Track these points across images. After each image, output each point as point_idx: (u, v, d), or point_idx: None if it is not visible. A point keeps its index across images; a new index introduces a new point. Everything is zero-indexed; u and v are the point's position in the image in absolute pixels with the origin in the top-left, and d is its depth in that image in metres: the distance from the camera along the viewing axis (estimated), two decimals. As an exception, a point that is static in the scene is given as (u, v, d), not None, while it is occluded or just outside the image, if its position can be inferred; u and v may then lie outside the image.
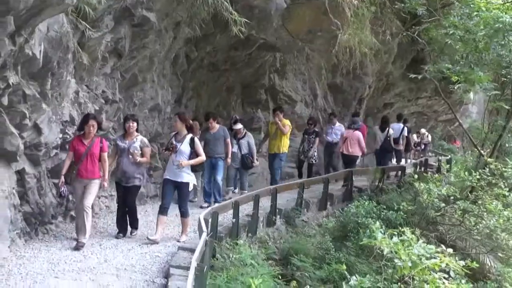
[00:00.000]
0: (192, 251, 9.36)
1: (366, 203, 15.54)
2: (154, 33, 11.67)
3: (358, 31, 18.05)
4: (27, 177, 9.64)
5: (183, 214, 11.27)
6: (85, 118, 10.36)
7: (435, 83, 22.46)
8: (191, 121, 12.83)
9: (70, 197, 11.16)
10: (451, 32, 18.90)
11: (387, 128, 20.99)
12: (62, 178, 10.24)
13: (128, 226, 11.42)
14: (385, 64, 23.20)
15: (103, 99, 11.55)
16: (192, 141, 11.26)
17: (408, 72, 23.32)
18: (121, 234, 11.16)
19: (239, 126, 15.56)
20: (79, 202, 10.40)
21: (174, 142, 11.26)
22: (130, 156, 11.00)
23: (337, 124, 20.16)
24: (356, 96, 23.95)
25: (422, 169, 22.88)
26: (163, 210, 11.08)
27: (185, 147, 11.15)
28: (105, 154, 10.66)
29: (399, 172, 22.00)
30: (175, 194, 11.46)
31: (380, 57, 22.08)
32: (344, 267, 9.48)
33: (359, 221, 14.40)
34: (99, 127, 10.59)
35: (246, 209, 13.33)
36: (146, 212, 13.61)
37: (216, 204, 12.91)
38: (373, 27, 19.82)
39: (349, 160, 19.00)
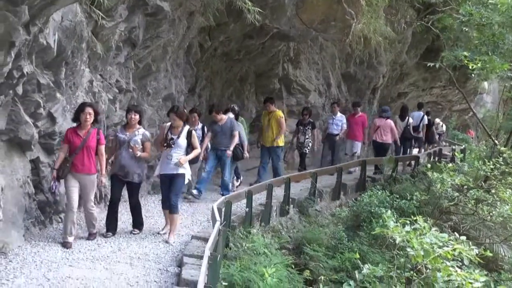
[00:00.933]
0: (205, 240, 9.40)
1: (379, 192, 15.51)
2: (167, 23, 11.67)
3: (372, 20, 17.97)
4: (42, 166, 9.69)
5: (172, 209, 10.59)
6: (80, 106, 9.58)
7: (449, 73, 22.32)
8: (187, 114, 12.26)
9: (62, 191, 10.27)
10: (466, 19, 18.74)
11: (407, 117, 21.58)
12: (54, 173, 9.54)
13: (119, 224, 10.77)
14: (399, 53, 23.10)
15: (117, 89, 11.57)
16: (189, 134, 10.81)
17: (422, 61, 23.23)
18: (110, 233, 10.35)
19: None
20: (70, 198, 9.59)
21: (171, 136, 10.74)
22: (130, 150, 10.39)
23: (339, 114, 19.61)
24: (370, 85, 23.87)
25: (436, 158, 22.77)
26: (164, 204, 10.85)
27: (182, 141, 10.72)
28: (103, 147, 9.90)
29: (413, 162, 21.94)
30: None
31: (394, 46, 21.99)
32: (357, 256, 9.49)
33: (372, 210, 14.38)
34: (96, 118, 9.68)
35: (259, 198, 13.36)
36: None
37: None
38: (387, 16, 19.73)
39: (381, 148, 19.89)
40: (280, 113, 16.63)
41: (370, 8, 17.56)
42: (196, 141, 11.03)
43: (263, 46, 16.86)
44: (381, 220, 9.57)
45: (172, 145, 10.61)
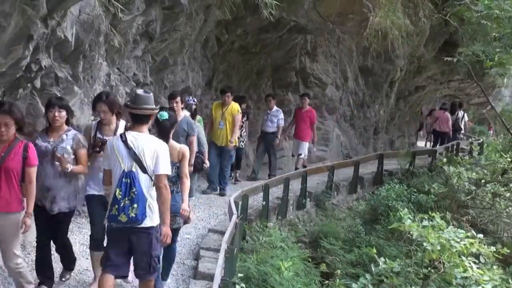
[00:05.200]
0: (222, 233, 9.43)
1: (397, 186, 15.48)
2: (184, 16, 11.67)
3: (389, 13, 17.88)
4: (59, 159, 9.63)
5: (96, 246, 7.45)
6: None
7: (468, 66, 22.17)
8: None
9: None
10: (484, 12, 18.57)
11: (457, 112, 24.94)
12: None
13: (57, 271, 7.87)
14: (416, 46, 22.94)
15: (134, 82, 11.58)
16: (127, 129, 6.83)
17: (440, 55, 23.10)
18: (44, 287, 7.37)
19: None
20: None
21: (101, 137, 7.46)
22: (57, 163, 7.06)
23: (275, 108, 16.65)
24: (387, 79, 23.76)
25: (454, 152, 22.72)
26: (96, 244, 7.46)
27: None
28: (32, 171, 6.68)
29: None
30: None
31: (412, 39, 21.85)
32: (374, 251, 9.46)
33: (390, 204, 14.35)
34: (18, 125, 6.67)
35: (276, 192, 13.37)
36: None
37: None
38: (404, 9, 19.61)
39: (442, 137, 23.87)
40: (237, 106, 14.18)
41: (388, 1, 17.47)
42: None
43: (280, 40, 16.83)
44: (398, 213, 9.53)
45: (100, 147, 7.32)
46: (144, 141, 6.36)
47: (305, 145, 17.31)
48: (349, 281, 10.36)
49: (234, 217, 8.80)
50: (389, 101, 25.36)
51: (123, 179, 6.20)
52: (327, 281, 10.48)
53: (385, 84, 24.09)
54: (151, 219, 6.32)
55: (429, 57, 24.79)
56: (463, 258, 8.17)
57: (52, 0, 6.50)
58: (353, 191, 16.93)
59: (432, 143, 25.59)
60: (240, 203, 10.53)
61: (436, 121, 23.97)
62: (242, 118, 14.70)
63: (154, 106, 6.63)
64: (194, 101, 12.50)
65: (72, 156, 7.14)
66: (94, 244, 7.46)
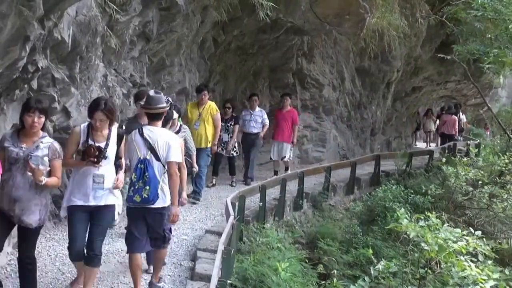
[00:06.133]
0: (219, 234, 9.43)
1: (394, 187, 15.51)
2: (181, 17, 11.67)
3: (386, 14, 17.91)
4: (56, 160, 9.63)
5: (94, 260, 7.10)
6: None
7: (464, 67, 22.20)
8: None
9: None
10: (479, 13, 18.60)
11: (459, 113, 27.48)
12: None
13: None
14: (413, 47, 22.99)
15: (131, 83, 11.58)
16: (120, 138, 7.27)
17: (436, 56, 23.14)
18: None
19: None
20: None
21: (93, 143, 6.94)
22: (29, 173, 6.35)
23: (257, 108, 16.03)
24: (384, 79, 23.78)
25: (451, 153, 22.77)
26: (76, 255, 7.15)
27: (111, 150, 7.08)
28: None
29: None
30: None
31: (409, 40, 21.89)
32: (371, 251, 9.48)
33: (387, 205, 14.37)
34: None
35: (273, 192, 13.37)
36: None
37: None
38: (401, 10, 19.66)
39: (449, 139, 25.05)
40: (215, 106, 13.71)
41: (385, 2, 17.51)
42: (123, 148, 7.43)
43: (277, 41, 16.84)
44: (395, 214, 9.54)
45: (97, 156, 6.86)
46: (158, 133, 7.38)
47: (288, 147, 16.55)
48: (346, 282, 10.38)
49: (231, 218, 8.81)
50: (386, 102, 25.38)
51: (139, 165, 7.20)
52: (324, 282, 10.47)
53: (382, 85, 24.11)
54: (163, 201, 7.29)
55: (426, 58, 24.84)
56: (461, 257, 8.16)
57: (49, 1, 6.50)
58: (350, 192, 16.94)
59: (440, 145, 26.52)
60: (237, 204, 10.53)
61: (444, 124, 25.65)
62: (228, 123, 14.67)
63: (165, 105, 7.64)
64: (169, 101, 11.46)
65: (48, 168, 6.52)
66: (75, 254, 7.13)
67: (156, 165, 7.24)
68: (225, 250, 7.59)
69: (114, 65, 10.77)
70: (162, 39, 11.83)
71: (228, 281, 7.75)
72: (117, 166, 7.18)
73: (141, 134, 7.36)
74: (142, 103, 8.60)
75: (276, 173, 16.37)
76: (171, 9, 11.18)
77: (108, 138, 7.02)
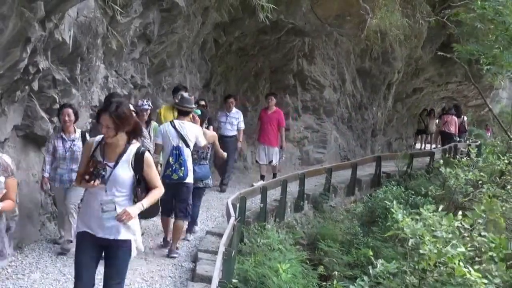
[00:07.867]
0: (220, 235, 9.44)
1: (394, 188, 15.48)
2: (182, 18, 11.68)
3: (387, 15, 17.90)
4: (57, 162, 9.61)
5: None
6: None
7: (465, 68, 22.19)
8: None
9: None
10: (480, 12, 18.54)
11: (462, 115, 28.11)
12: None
13: None
14: (414, 48, 22.99)
15: (132, 84, 11.59)
16: (140, 158, 5.58)
17: (437, 57, 23.12)
18: None
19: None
20: None
21: (101, 160, 5.52)
22: None
23: (234, 110, 15.02)
24: (385, 81, 23.78)
25: (452, 154, 22.76)
26: None
27: (123, 171, 5.54)
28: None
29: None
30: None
31: (410, 41, 21.89)
32: (370, 252, 9.46)
33: (387, 206, 14.35)
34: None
35: (274, 194, 13.37)
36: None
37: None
38: (402, 11, 19.65)
39: (448, 137, 25.83)
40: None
41: (386, 2, 17.51)
42: (155, 171, 5.80)
43: (278, 42, 16.84)
44: (394, 215, 9.55)
45: (99, 176, 5.45)
46: (187, 126, 9.31)
47: (275, 151, 15.59)
48: (347, 283, 10.36)
49: (232, 219, 8.81)
50: (387, 103, 25.37)
51: (174, 151, 9.07)
52: (324, 283, 10.47)
53: (382, 86, 24.10)
54: (190, 178, 9.20)
55: (427, 59, 24.84)
56: (460, 263, 8.14)
57: (50, 2, 6.51)
58: (351, 193, 16.94)
59: (440, 143, 27.40)
60: (238, 205, 10.53)
61: (445, 123, 26.24)
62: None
63: (193, 106, 9.79)
64: (149, 105, 10.20)
65: (3, 190, 5.18)
66: None
67: (186, 151, 9.15)
68: (226, 251, 7.59)
69: (115, 66, 10.78)
70: (163, 41, 11.84)
71: (230, 282, 7.76)
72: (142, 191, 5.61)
73: (174, 126, 9.22)
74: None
75: (262, 177, 15.45)
76: (172, 11, 11.19)
77: (119, 156, 5.51)
